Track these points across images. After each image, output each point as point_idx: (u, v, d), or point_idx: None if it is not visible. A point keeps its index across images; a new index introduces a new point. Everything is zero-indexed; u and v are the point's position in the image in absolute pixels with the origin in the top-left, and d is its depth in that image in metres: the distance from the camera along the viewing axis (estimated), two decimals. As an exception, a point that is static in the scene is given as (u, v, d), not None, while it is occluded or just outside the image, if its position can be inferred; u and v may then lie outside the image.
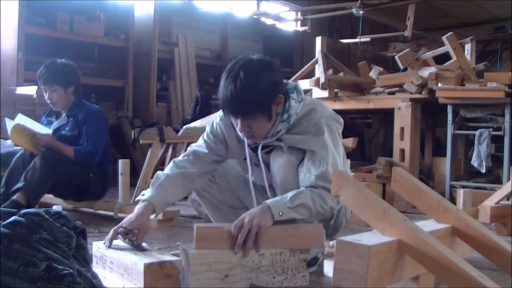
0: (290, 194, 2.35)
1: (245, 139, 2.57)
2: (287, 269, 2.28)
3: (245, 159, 2.64)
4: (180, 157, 2.73)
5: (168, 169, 2.66)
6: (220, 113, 2.73)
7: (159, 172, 2.64)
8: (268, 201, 2.33)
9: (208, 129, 2.76)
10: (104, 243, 2.32)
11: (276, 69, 2.50)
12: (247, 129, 2.43)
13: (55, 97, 4.10)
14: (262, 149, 2.57)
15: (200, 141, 2.76)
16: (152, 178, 4.35)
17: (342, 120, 2.67)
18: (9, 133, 3.95)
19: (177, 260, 2.05)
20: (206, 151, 2.70)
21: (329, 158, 2.42)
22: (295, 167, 2.48)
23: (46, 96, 4.14)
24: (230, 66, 2.41)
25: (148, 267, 1.98)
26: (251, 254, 2.22)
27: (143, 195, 2.52)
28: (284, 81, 2.55)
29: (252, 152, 2.63)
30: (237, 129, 2.49)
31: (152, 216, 2.52)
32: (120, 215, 4.03)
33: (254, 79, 2.33)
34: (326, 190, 2.35)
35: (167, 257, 2.08)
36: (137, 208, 2.45)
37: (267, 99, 2.39)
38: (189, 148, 2.77)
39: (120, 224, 2.37)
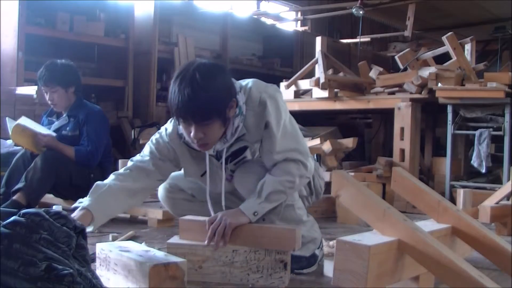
0: (256, 190, 2.38)
1: (206, 152, 2.49)
2: (262, 268, 2.31)
3: (203, 174, 2.56)
4: (122, 171, 2.58)
5: (109, 180, 2.50)
6: (164, 127, 2.62)
7: (99, 182, 2.48)
8: (240, 206, 2.39)
9: (153, 145, 2.59)
10: None
11: (229, 72, 2.41)
12: (201, 135, 2.30)
13: (56, 98, 4.10)
14: (230, 161, 2.51)
15: (145, 157, 2.59)
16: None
17: (278, 87, 2.57)
18: (10, 132, 3.95)
19: (182, 261, 2.05)
20: (152, 168, 2.56)
21: (277, 129, 2.40)
22: (259, 175, 2.45)
23: (47, 97, 4.14)
24: (181, 69, 2.30)
25: (153, 269, 1.98)
26: (224, 249, 2.33)
27: (80, 202, 2.37)
28: None
29: (217, 162, 2.55)
30: (190, 136, 2.33)
31: (90, 229, 2.31)
32: (120, 215, 4.02)
33: (211, 81, 2.24)
34: (287, 161, 2.39)
35: (173, 258, 2.09)
36: (74, 216, 2.27)
37: (223, 102, 2.29)
38: (130, 162, 2.61)
39: None
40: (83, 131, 4.10)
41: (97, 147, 4.10)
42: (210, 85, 2.23)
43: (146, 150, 2.61)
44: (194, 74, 2.23)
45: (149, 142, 2.63)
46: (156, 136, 2.62)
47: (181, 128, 2.41)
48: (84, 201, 2.37)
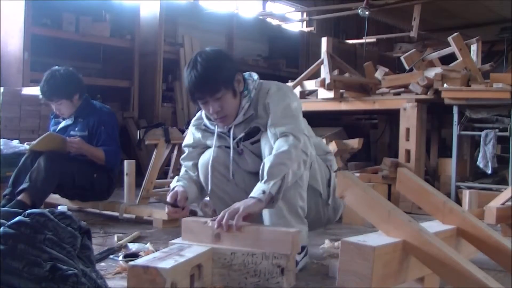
0: (259, 176, 2.46)
1: (215, 128, 2.74)
2: (260, 272, 2.28)
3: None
4: (183, 172, 2.90)
5: (184, 174, 2.87)
6: (190, 125, 2.93)
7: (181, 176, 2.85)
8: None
9: (191, 135, 2.91)
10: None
11: (230, 56, 2.75)
12: (218, 109, 2.59)
13: (63, 109, 4.14)
14: (245, 140, 2.71)
15: (189, 151, 2.92)
16: (157, 178, 4.38)
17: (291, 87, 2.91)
18: (38, 141, 3.92)
19: (164, 269, 1.94)
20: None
21: (276, 107, 2.60)
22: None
23: (53, 108, 4.17)
24: (189, 61, 2.63)
25: (131, 269, 1.94)
26: (223, 251, 2.31)
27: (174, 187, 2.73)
28: None
29: (229, 139, 2.75)
30: (210, 113, 2.63)
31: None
32: (125, 215, 4.03)
33: (211, 60, 2.57)
34: (282, 136, 2.51)
35: (161, 264, 1.98)
36: (175, 191, 2.68)
37: (227, 74, 2.59)
38: (182, 162, 2.93)
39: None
40: (96, 133, 4.12)
41: (119, 145, 4.21)
42: (211, 63, 2.56)
43: (188, 138, 2.94)
44: (197, 58, 2.58)
45: (190, 127, 2.94)
46: (190, 126, 2.96)
47: (203, 111, 2.78)
48: (178, 185, 2.73)
